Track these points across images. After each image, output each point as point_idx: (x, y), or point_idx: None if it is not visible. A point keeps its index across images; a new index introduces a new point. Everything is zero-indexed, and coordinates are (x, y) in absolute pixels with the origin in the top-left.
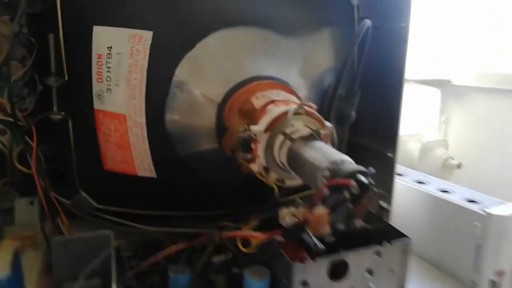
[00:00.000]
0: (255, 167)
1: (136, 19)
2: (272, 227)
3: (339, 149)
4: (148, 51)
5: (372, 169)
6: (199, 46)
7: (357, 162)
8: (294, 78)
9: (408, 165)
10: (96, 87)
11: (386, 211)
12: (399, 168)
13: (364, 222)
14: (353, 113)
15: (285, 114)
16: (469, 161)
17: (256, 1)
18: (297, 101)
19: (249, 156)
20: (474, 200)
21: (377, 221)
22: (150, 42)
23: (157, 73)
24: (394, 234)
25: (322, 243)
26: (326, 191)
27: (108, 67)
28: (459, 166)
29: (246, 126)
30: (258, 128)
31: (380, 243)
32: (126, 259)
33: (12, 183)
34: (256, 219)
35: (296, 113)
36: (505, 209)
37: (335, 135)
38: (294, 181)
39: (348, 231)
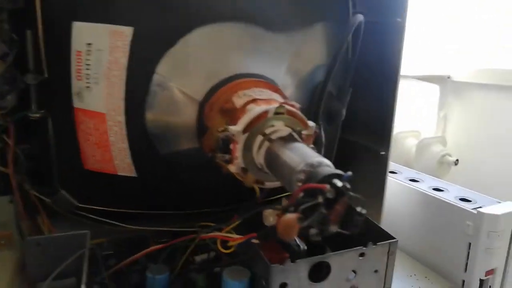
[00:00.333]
0: (233, 168)
1: (116, 15)
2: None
3: (329, 148)
4: (128, 48)
5: (349, 173)
6: (181, 43)
7: (349, 160)
8: (281, 76)
9: (405, 162)
10: (75, 85)
11: (362, 217)
12: (393, 165)
13: (345, 225)
14: (344, 112)
15: (265, 113)
16: (467, 158)
17: None
18: (281, 100)
19: (227, 157)
20: (468, 198)
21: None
22: (130, 38)
23: (137, 70)
24: (380, 235)
25: (307, 243)
26: (300, 195)
27: (88, 65)
28: (456, 163)
29: (225, 126)
30: (236, 128)
31: (364, 244)
32: (103, 258)
33: None
34: (237, 219)
35: (277, 113)
36: (498, 208)
37: (322, 134)
38: (273, 183)
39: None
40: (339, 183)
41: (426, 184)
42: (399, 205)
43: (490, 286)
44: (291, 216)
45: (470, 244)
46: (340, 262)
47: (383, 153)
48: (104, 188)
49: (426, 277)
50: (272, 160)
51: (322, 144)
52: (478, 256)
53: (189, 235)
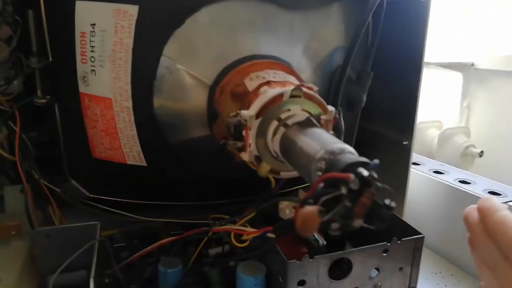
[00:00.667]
0: (245, 157)
1: None
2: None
3: (348, 136)
4: (133, 28)
5: (376, 161)
6: (189, 22)
7: (370, 150)
8: (297, 58)
9: (427, 153)
10: (80, 68)
11: (392, 210)
12: (416, 156)
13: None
14: (364, 97)
15: (280, 97)
16: (492, 149)
17: None
18: (297, 82)
19: (239, 144)
20: (496, 191)
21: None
22: (135, 17)
23: (143, 52)
24: (405, 230)
25: (326, 238)
26: (320, 186)
27: (92, 46)
28: (481, 154)
29: (237, 111)
30: (249, 113)
31: (388, 240)
32: (114, 250)
33: (0, 170)
34: (252, 212)
35: (293, 96)
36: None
37: (341, 121)
38: (290, 172)
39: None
40: (365, 172)
41: (451, 176)
42: (422, 198)
43: None
44: (311, 209)
45: None
46: (362, 258)
47: (405, 142)
48: (114, 178)
49: (452, 274)
50: (289, 147)
51: (342, 132)
52: None
53: (202, 227)
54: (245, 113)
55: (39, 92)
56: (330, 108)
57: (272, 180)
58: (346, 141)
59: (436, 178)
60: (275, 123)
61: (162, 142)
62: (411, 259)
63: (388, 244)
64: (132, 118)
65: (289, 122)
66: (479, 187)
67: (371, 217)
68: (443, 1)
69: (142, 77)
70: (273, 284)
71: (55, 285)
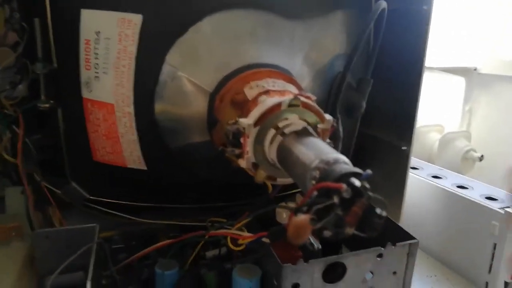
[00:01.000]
0: (243, 163)
1: (124, 2)
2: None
3: (347, 142)
4: (137, 36)
5: (369, 171)
6: (191, 31)
7: (368, 155)
8: (298, 66)
9: (427, 157)
10: (84, 74)
11: (382, 220)
12: (414, 161)
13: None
14: (364, 104)
15: (278, 106)
16: (493, 153)
17: None
18: (296, 91)
19: (237, 151)
20: (494, 197)
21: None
22: (139, 26)
23: (146, 59)
24: (399, 235)
25: (322, 241)
26: (314, 194)
27: (96, 53)
28: (481, 158)
29: (236, 118)
30: (247, 121)
31: (383, 245)
32: (113, 252)
33: (3, 172)
34: (248, 216)
35: (291, 105)
36: None
37: (340, 128)
38: (286, 179)
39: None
40: (357, 183)
41: (449, 181)
42: (420, 202)
43: None
44: (303, 218)
45: (495, 244)
46: (357, 262)
47: (404, 148)
48: (114, 180)
49: (447, 278)
50: (285, 155)
51: (340, 139)
52: (504, 258)
53: (200, 230)
54: (243, 121)
55: (43, 97)
56: (328, 117)
57: (269, 185)
58: (346, 146)
59: (434, 183)
60: (272, 132)
61: (163, 147)
62: (405, 264)
63: (383, 248)
64: (134, 123)
65: (286, 131)
66: (476, 192)
67: (363, 226)
68: (446, 6)
69: (145, 84)
70: (267, 287)
71: (53, 286)
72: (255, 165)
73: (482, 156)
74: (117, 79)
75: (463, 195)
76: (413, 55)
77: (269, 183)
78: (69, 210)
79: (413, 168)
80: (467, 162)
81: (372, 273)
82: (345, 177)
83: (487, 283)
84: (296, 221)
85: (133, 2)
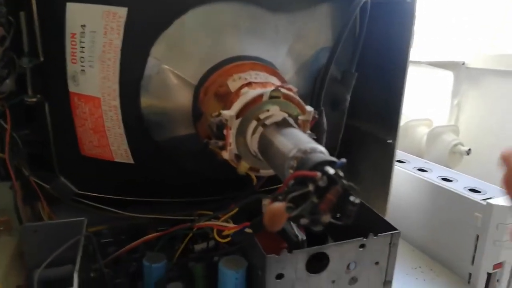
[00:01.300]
0: (226, 155)
1: None
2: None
3: (334, 135)
4: (122, 29)
5: (343, 160)
6: (176, 24)
7: (355, 148)
8: (281, 59)
9: (416, 151)
10: (70, 68)
11: (356, 207)
12: (401, 154)
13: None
14: (348, 97)
15: (260, 97)
16: (480, 147)
17: None
18: (278, 83)
19: (220, 143)
20: (477, 189)
21: (366, 212)
22: (124, 19)
23: (131, 52)
24: (382, 226)
25: (308, 233)
26: (290, 183)
27: (82, 47)
28: (468, 152)
29: (219, 111)
30: (229, 113)
31: (365, 235)
32: (102, 246)
33: None
34: (234, 208)
35: (272, 97)
36: (508, 199)
37: (323, 120)
38: (268, 170)
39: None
40: (331, 171)
41: (434, 174)
42: (406, 195)
43: (497, 280)
44: (278, 205)
45: (478, 236)
46: (340, 253)
47: (390, 141)
48: (102, 175)
49: (431, 269)
50: (266, 146)
51: (324, 131)
52: (486, 249)
53: (186, 223)
54: (226, 113)
55: (29, 91)
56: (309, 108)
57: (254, 177)
58: (333, 139)
59: (419, 176)
60: (254, 123)
61: (149, 140)
62: (387, 254)
63: (365, 239)
64: (120, 117)
65: (267, 122)
66: (460, 184)
67: (339, 213)
68: (434, 0)
69: (130, 77)
70: (253, 278)
71: (41, 279)
72: (238, 157)
73: (469, 150)
74: (103, 72)
75: (447, 188)
76: (398, 48)
77: (252, 175)
78: (58, 205)
79: (400, 161)
80: (455, 156)
81: (355, 263)
82: (320, 165)
83: (470, 274)
84: (272, 208)
85: None
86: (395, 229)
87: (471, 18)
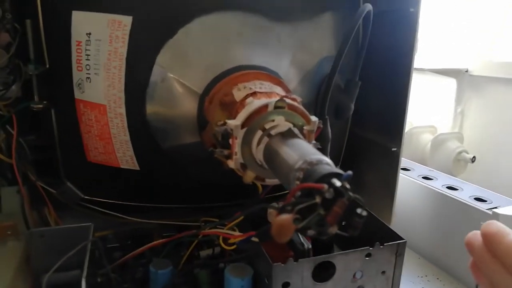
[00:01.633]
0: (232, 164)
1: (115, 4)
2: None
3: (338, 143)
4: (127, 38)
5: (349, 172)
6: (181, 33)
7: (360, 156)
8: (285, 68)
9: (420, 158)
10: (76, 75)
11: (363, 219)
12: (406, 162)
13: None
14: (352, 106)
15: (265, 107)
16: (484, 155)
17: None
18: (282, 93)
19: (226, 152)
20: (483, 198)
21: (371, 221)
22: (129, 28)
23: (137, 61)
24: (388, 235)
25: (314, 242)
26: (297, 194)
27: (88, 55)
28: (473, 160)
29: (224, 120)
30: (235, 122)
31: (372, 245)
32: (108, 251)
33: None
34: (240, 216)
35: (277, 107)
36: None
37: (328, 129)
38: (274, 180)
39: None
40: (337, 183)
41: (439, 182)
42: (411, 203)
43: None
44: (286, 217)
45: None
46: (346, 262)
47: (394, 149)
48: (108, 181)
49: (438, 278)
50: (271, 156)
51: (328, 140)
52: None
53: (193, 229)
54: (231, 122)
55: (36, 98)
56: (314, 118)
57: (259, 186)
58: (337, 147)
59: (425, 184)
60: (259, 133)
61: (154, 147)
62: (393, 263)
63: (371, 248)
64: (126, 124)
65: (273, 132)
66: (466, 193)
67: (346, 225)
68: (438, 7)
69: (135, 85)
70: (259, 286)
71: (49, 284)
72: (244, 166)
73: (474, 157)
74: (108, 80)
75: (453, 196)
76: (402, 57)
77: (258, 184)
78: (64, 210)
79: (404, 169)
80: (459, 163)
81: (361, 272)
82: (326, 177)
83: (477, 285)
84: (279, 220)
85: (124, 4)
86: (401, 238)
87: (474, 25)
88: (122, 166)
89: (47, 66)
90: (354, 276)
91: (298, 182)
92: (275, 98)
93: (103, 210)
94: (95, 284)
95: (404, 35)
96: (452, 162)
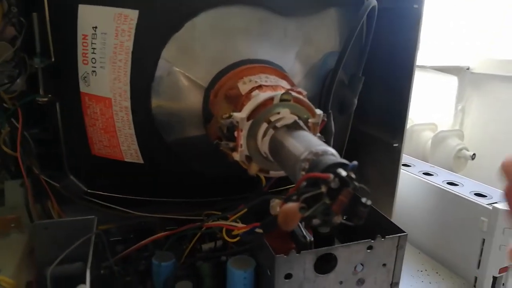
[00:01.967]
0: (237, 156)
1: None
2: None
3: (340, 138)
4: (133, 31)
5: (354, 163)
6: (187, 27)
7: (362, 151)
8: (290, 63)
9: (421, 155)
10: (81, 69)
11: (367, 208)
12: (406, 158)
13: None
14: (355, 101)
15: (270, 100)
16: (485, 152)
17: None
18: (288, 86)
19: (231, 144)
20: (483, 193)
21: (373, 214)
22: (135, 21)
23: (142, 54)
24: (389, 228)
25: (316, 235)
26: (303, 184)
27: (93, 48)
28: (473, 157)
29: (230, 113)
30: (240, 115)
31: (373, 237)
32: (110, 244)
33: (2, 165)
34: (243, 208)
35: (283, 100)
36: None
37: (331, 123)
38: (278, 172)
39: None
40: (343, 173)
41: (440, 178)
42: (411, 198)
43: (503, 284)
44: (292, 205)
45: (484, 240)
46: (347, 254)
47: (396, 145)
48: (112, 174)
49: (437, 272)
50: (276, 148)
51: (332, 134)
52: (492, 253)
53: (195, 223)
54: (237, 115)
55: (41, 91)
56: (318, 111)
57: (263, 178)
58: (339, 142)
59: (425, 180)
60: (265, 125)
61: (159, 140)
62: (394, 256)
63: (372, 241)
64: (131, 117)
65: (278, 124)
66: (466, 189)
67: (350, 214)
68: (440, 5)
69: (141, 79)
70: (261, 277)
71: (53, 276)
72: (249, 158)
73: (474, 154)
74: (114, 73)
75: (453, 192)
76: (405, 53)
77: (262, 176)
78: (67, 204)
79: (406, 165)
80: (459, 160)
81: (362, 265)
82: (332, 167)
83: (476, 278)
84: (286, 208)
85: None
86: (402, 231)
87: (475, 23)
88: (126, 160)
89: (53, 59)
90: (355, 269)
91: (303, 173)
92: (280, 91)
93: (106, 204)
94: (98, 276)
95: (407, 32)
96: (453, 159)
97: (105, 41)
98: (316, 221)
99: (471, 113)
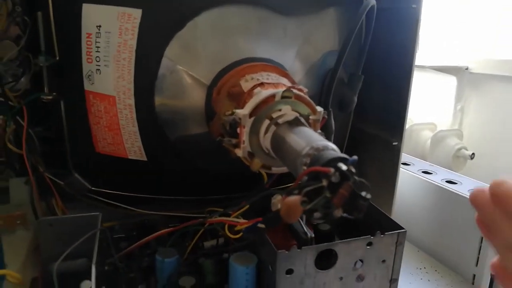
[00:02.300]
0: (239, 153)
1: None
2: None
3: (340, 135)
4: (137, 30)
5: (355, 157)
6: (189, 26)
7: (361, 149)
8: (291, 61)
9: (420, 154)
10: (86, 67)
11: (367, 201)
12: (406, 157)
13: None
14: (355, 99)
15: (272, 97)
16: (483, 152)
17: None
18: (289, 84)
19: (234, 141)
20: None
21: (373, 210)
22: (139, 20)
23: (146, 53)
24: (389, 225)
25: (317, 232)
26: (304, 178)
27: (97, 47)
28: (472, 156)
29: (232, 110)
30: (243, 112)
31: (372, 234)
32: (114, 241)
33: (7, 163)
34: (245, 204)
35: (284, 97)
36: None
37: (331, 121)
38: (280, 168)
39: (343, 219)
40: (343, 167)
41: (439, 177)
42: (411, 197)
43: None
44: (294, 198)
45: (482, 238)
46: (347, 250)
47: (395, 143)
48: (116, 172)
49: (436, 270)
50: (278, 144)
51: (332, 131)
52: (490, 251)
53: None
54: (239, 112)
55: (46, 89)
56: (319, 109)
57: (265, 175)
58: (339, 140)
59: (424, 178)
60: (267, 122)
61: (163, 138)
62: (393, 252)
63: (372, 237)
64: (134, 115)
65: (280, 121)
66: (465, 187)
67: (350, 208)
68: (438, 5)
69: (145, 77)
70: (263, 273)
71: (58, 272)
72: (251, 154)
73: (473, 154)
74: (118, 72)
75: (452, 190)
76: (403, 53)
77: (264, 173)
78: (71, 201)
79: (405, 163)
80: (458, 160)
81: (362, 261)
82: (333, 162)
83: (474, 275)
84: (288, 200)
85: None
86: (401, 228)
87: (474, 23)
88: (130, 157)
89: (57, 58)
90: (355, 264)
91: (305, 168)
92: (282, 89)
93: (109, 201)
94: (102, 272)
95: (405, 31)
96: (452, 158)
97: (109, 39)
98: (317, 214)
99: (470, 113)
